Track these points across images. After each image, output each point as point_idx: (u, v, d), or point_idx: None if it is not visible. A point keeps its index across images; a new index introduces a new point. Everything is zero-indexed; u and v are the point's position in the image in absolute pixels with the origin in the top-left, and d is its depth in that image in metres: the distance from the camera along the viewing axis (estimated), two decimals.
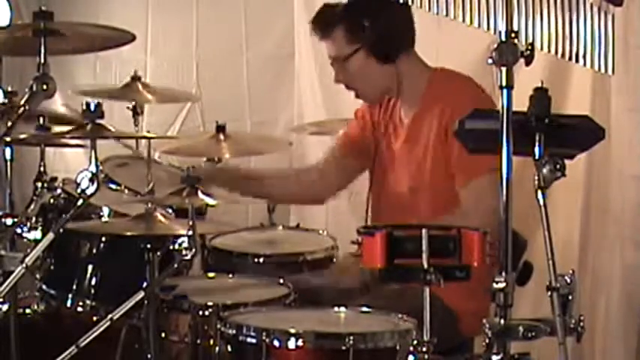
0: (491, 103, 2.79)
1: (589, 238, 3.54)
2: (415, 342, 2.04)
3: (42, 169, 3.01)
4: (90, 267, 2.87)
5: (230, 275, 2.96)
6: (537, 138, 1.88)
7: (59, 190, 2.94)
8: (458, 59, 3.48)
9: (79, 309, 2.85)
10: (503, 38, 1.85)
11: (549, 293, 1.86)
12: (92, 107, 2.35)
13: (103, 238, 2.87)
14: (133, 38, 2.52)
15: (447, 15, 1.97)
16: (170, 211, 2.90)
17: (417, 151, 2.90)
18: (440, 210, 2.83)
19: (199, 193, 2.49)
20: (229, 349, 2.36)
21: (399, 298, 2.57)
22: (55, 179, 2.97)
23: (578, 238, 3.56)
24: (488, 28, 1.92)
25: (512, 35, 1.86)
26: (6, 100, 2.77)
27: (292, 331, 2.23)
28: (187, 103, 4.73)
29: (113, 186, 3.02)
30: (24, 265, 2.20)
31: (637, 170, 3.30)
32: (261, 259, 3.21)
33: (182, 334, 2.76)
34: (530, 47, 1.86)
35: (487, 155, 1.96)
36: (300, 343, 2.22)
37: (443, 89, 2.89)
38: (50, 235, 2.23)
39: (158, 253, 2.56)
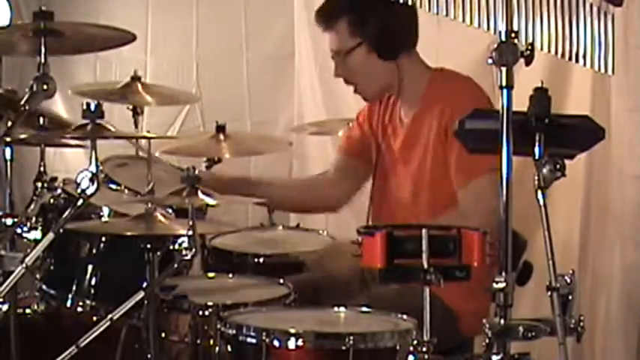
0: (489, 103, 2.80)
1: (589, 238, 3.55)
2: (415, 342, 2.04)
3: (42, 169, 3.00)
4: (90, 267, 2.87)
5: (230, 275, 2.96)
6: (537, 138, 1.88)
7: (59, 190, 2.94)
8: (458, 59, 3.49)
9: (79, 309, 2.85)
10: (503, 38, 1.86)
11: (549, 293, 1.86)
12: (92, 107, 2.35)
13: (103, 238, 2.87)
14: (134, 38, 2.52)
15: (447, 15, 1.97)
16: (170, 211, 2.90)
17: (417, 151, 2.90)
18: (440, 210, 2.83)
19: (199, 193, 2.49)
20: (229, 349, 2.36)
21: (399, 298, 2.57)
22: (55, 179, 2.96)
23: (578, 238, 3.57)
24: (488, 28, 1.92)
25: (512, 35, 1.86)
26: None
27: (292, 331, 2.23)
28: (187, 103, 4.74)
29: (113, 186, 3.01)
30: (24, 265, 2.20)
31: (637, 170, 3.30)
32: (261, 259, 3.20)
33: (182, 334, 2.76)
34: (530, 47, 1.86)
35: (486, 155, 1.96)
36: (300, 343, 2.22)
37: (443, 89, 2.89)
38: (50, 235, 2.23)
39: (158, 253, 2.56)
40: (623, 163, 3.34)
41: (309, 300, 2.78)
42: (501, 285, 1.86)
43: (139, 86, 3.50)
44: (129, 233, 2.69)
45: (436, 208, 2.85)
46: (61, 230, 2.27)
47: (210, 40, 4.91)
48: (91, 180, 2.16)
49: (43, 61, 2.22)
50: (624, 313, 3.37)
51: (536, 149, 1.88)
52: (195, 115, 4.83)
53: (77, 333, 2.33)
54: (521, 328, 1.90)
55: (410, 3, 2.03)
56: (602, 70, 1.92)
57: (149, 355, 2.63)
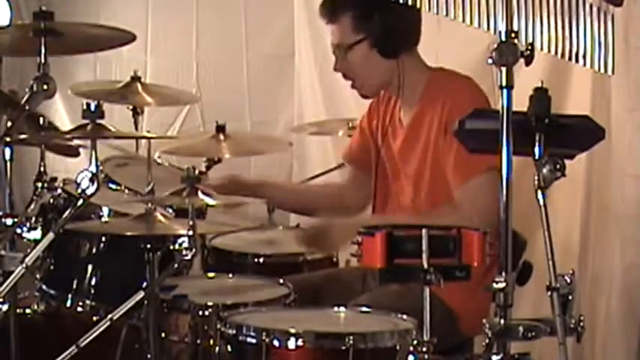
0: (488, 104, 2.80)
1: (589, 238, 3.55)
2: (415, 342, 2.04)
3: (42, 169, 3.00)
4: (90, 267, 2.87)
5: (230, 275, 2.96)
6: (537, 138, 1.88)
7: (59, 190, 2.94)
8: (458, 59, 3.49)
9: (79, 309, 2.85)
10: (503, 38, 1.86)
11: (549, 293, 1.86)
12: (92, 107, 2.35)
13: (103, 238, 2.87)
14: (134, 38, 2.52)
15: (446, 15, 1.97)
16: (170, 211, 2.90)
17: (417, 152, 2.90)
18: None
19: (199, 193, 2.49)
20: (229, 349, 2.36)
21: (399, 298, 2.57)
22: (55, 179, 2.97)
23: (578, 238, 3.56)
24: (488, 28, 1.92)
25: (512, 35, 1.86)
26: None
27: (292, 331, 2.23)
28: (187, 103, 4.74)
29: (113, 186, 3.02)
30: (24, 265, 2.20)
31: (637, 170, 3.30)
32: (261, 259, 3.21)
33: (182, 334, 2.76)
34: (530, 47, 1.86)
35: (484, 155, 1.96)
36: (300, 343, 2.22)
37: (442, 87, 2.88)
38: (50, 235, 2.23)
39: (158, 253, 2.56)
40: (623, 163, 3.34)
41: (309, 300, 2.78)
42: (501, 285, 1.86)
43: (139, 86, 3.51)
44: (129, 233, 2.69)
45: (436, 206, 2.85)
46: (61, 230, 2.27)
47: (210, 40, 4.91)
48: (91, 180, 2.16)
49: (43, 61, 2.22)
50: (624, 313, 3.37)
51: (536, 149, 1.88)
52: (195, 115, 4.83)
53: (77, 333, 2.33)
54: (521, 328, 1.90)
55: (410, 4, 2.03)
56: (602, 70, 1.92)
57: (149, 355, 2.63)
